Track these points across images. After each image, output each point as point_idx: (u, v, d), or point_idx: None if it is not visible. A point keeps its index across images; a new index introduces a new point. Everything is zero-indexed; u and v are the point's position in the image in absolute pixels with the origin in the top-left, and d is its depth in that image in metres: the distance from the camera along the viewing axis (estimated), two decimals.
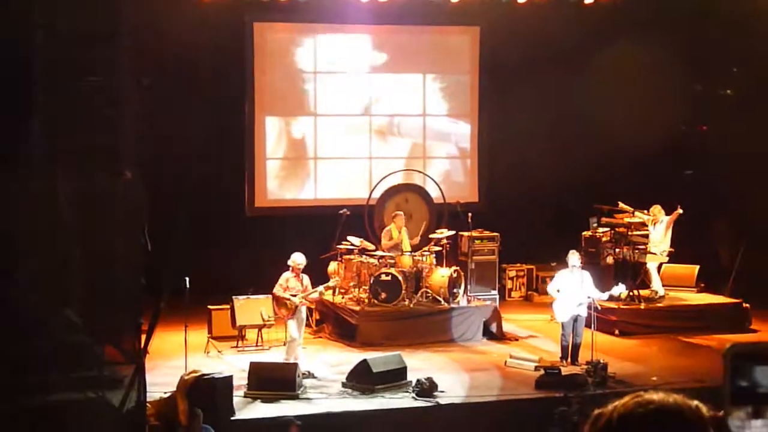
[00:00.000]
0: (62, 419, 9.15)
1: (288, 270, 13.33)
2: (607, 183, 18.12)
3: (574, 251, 13.88)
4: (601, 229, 16.61)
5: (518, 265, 18.67)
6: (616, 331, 15.52)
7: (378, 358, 12.71)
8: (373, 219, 17.10)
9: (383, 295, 15.16)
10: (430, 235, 16.21)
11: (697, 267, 17.28)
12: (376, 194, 17.54)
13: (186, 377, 11.23)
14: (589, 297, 13.49)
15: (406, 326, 15.15)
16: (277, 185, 18.87)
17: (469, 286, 16.13)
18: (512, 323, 16.28)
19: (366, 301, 15.31)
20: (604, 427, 2.03)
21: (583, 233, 16.72)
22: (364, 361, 12.48)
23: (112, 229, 9.81)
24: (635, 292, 16.13)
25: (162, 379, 12.08)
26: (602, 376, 12.74)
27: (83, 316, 9.52)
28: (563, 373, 12.89)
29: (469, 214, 16.60)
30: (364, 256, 15.58)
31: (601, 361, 12.98)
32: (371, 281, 15.21)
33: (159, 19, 15.26)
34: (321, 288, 13.69)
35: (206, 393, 11.05)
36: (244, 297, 14.75)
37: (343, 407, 11.88)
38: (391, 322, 15.18)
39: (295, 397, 11.99)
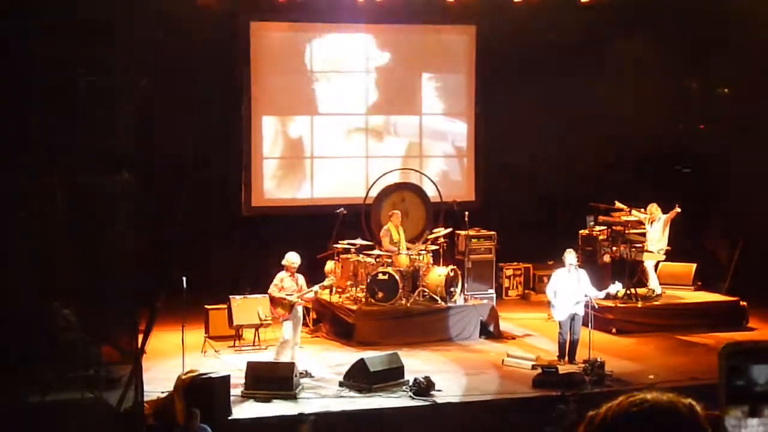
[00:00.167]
0: (60, 418, 9.16)
1: (282, 270, 13.29)
2: (604, 181, 18.14)
3: (570, 250, 13.90)
4: (597, 228, 16.62)
5: (515, 263, 18.66)
6: (613, 330, 15.52)
7: (375, 357, 12.69)
8: (370, 218, 17.09)
9: (380, 294, 15.15)
10: (428, 236, 16.23)
11: (694, 265, 17.27)
12: (373, 193, 17.52)
13: (183, 377, 11.24)
14: (586, 295, 13.50)
15: (403, 325, 15.14)
16: (274, 185, 18.85)
17: (466, 285, 16.11)
18: (509, 322, 16.28)
19: (363, 300, 15.29)
20: (599, 426, 2.03)
21: (580, 231, 16.75)
22: (362, 360, 12.48)
23: (110, 228, 9.82)
24: (632, 290, 16.13)
25: (159, 378, 12.09)
26: (599, 374, 12.74)
27: (81, 316, 9.54)
28: (560, 372, 12.89)
29: (466, 213, 16.57)
30: (361, 255, 15.58)
31: (599, 359, 12.99)
32: (368, 280, 15.20)
33: (156, 20, 15.24)
34: (316, 287, 13.60)
35: (203, 392, 11.05)
36: (241, 296, 14.74)
37: (340, 406, 11.87)
38: (388, 321, 15.18)
39: (292, 397, 11.98)
